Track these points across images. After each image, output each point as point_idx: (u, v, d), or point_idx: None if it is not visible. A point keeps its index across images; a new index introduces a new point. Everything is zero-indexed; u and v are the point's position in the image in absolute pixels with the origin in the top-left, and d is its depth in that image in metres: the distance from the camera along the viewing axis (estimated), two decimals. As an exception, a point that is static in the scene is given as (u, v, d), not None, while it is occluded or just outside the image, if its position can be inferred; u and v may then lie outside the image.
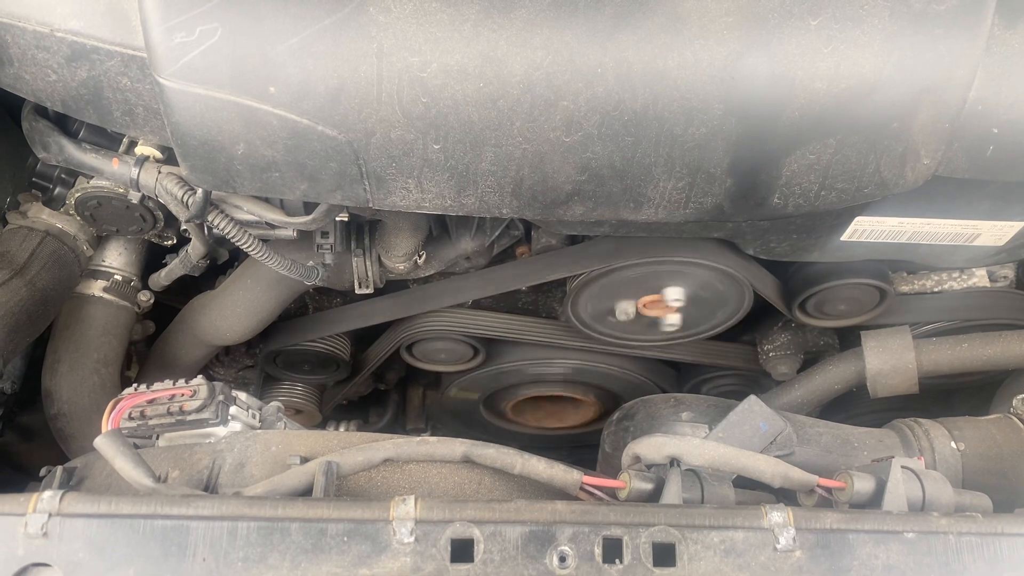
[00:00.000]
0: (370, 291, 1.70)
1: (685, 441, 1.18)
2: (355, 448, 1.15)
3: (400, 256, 1.61)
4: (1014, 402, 1.49)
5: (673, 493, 1.12)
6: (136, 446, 1.25)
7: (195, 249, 1.59)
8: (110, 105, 1.26)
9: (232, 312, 1.75)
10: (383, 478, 1.19)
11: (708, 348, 1.94)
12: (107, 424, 1.22)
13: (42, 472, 1.25)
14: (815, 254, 1.52)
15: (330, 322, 1.94)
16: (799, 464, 1.18)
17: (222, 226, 1.38)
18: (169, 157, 1.38)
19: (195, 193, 1.34)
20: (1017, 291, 1.73)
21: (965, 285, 1.71)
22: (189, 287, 1.87)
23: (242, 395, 1.30)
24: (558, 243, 1.66)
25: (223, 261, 1.77)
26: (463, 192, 1.21)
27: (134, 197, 1.47)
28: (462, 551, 0.98)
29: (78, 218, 1.60)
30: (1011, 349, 1.60)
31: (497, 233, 1.62)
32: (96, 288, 1.74)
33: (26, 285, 1.53)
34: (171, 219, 1.59)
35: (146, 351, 1.96)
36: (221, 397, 1.25)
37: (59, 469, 1.23)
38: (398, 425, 2.43)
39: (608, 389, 2.10)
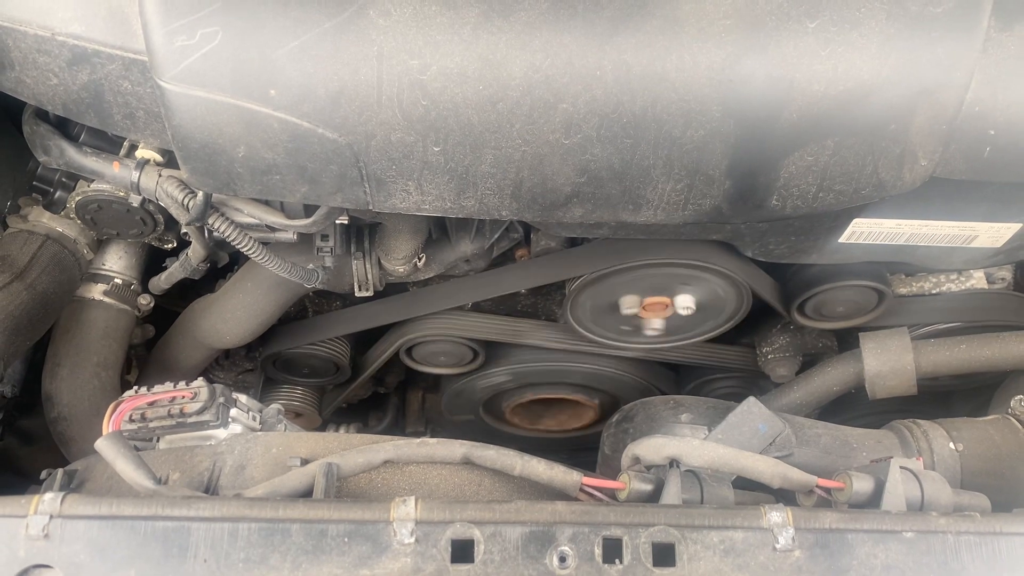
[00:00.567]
0: (370, 294, 1.71)
1: (684, 442, 1.18)
2: (355, 450, 1.16)
3: (400, 259, 1.61)
4: (1012, 403, 1.49)
5: (673, 494, 1.12)
6: (137, 448, 1.25)
7: (195, 252, 1.59)
8: (111, 108, 1.26)
9: (232, 315, 1.76)
10: (383, 479, 1.19)
11: (707, 350, 1.95)
12: (108, 426, 1.23)
13: (43, 475, 1.25)
14: (813, 256, 1.52)
15: (330, 325, 1.94)
16: (798, 465, 1.18)
17: (222, 229, 1.39)
18: (170, 160, 1.39)
19: (196, 196, 1.34)
20: (1015, 293, 1.74)
21: (963, 287, 1.71)
22: (189, 290, 1.88)
23: (242, 397, 1.30)
24: (557, 245, 1.67)
25: (223, 264, 1.77)
26: (463, 194, 1.21)
27: (135, 200, 1.47)
28: (462, 552, 0.98)
29: (78, 221, 1.61)
30: (1009, 350, 1.60)
31: (497, 236, 1.62)
32: (96, 292, 1.74)
33: (26, 289, 1.53)
34: (171, 222, 1.60)
35: (146, 355, 1.96)
36: (222, 399, 1.25)
37: (60, 472, 1.23)
38: (398, 428, 2.43)
39: (608, 391, 2.10)
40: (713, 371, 2.05)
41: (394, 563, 0.97)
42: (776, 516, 1.02)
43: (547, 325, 1.92)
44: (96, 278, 1.74)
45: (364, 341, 2.07)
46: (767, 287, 1.67)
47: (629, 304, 1.66)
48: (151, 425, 1.25)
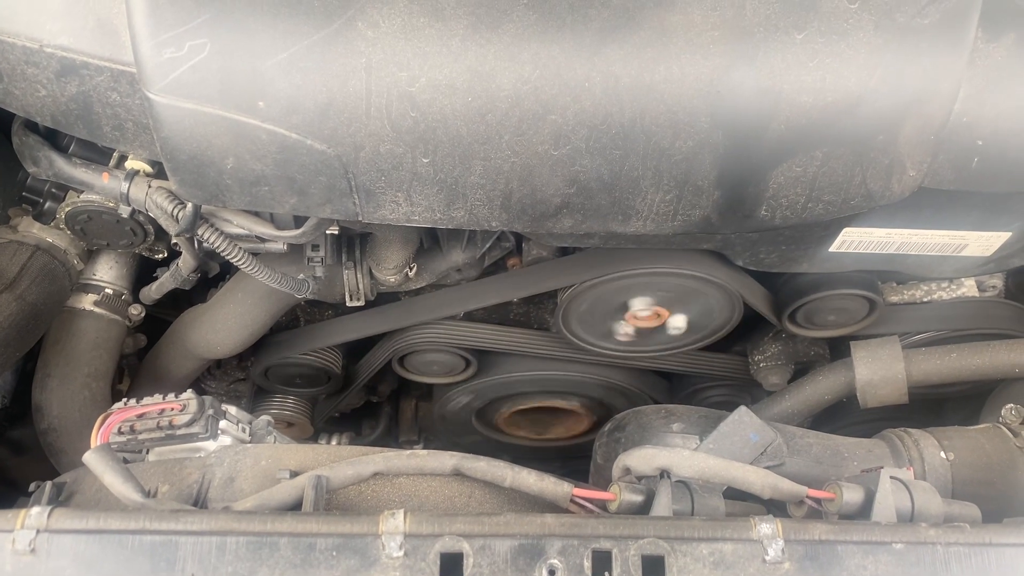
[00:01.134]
0: (361, 304, 1.71)
1: (675, 453, 1.18)
2: (345, 462, 1.15)
3: (391, 269, 1.61)
4: (1003, 412, 1.49)
5: (663, 505, 1.12)
6: (126, 461, 1.25)
7: (186, 263, 1.59)
8: (100, 120, 1.26)
9: (223, 325, 1.75)
10: (373, 492, 1.19)
11: (699, 359, 1.95)
12: (96, 439, 1.22)
13: (31, 487, 1.25)
14: (804, 265, 1.53)
15: (321, 335, 1.94)
16: (789, 475, 1.18)
17: (212, 240, 1.39)
18: (159, 171, 1.39)
19: (185, 207, 1.34)
20: (1006, 301, 1.74)
21: (954, 295, 1.71)
22: (180, 300, 1.87)
23: (232, 409, 1.30)
24: (549, 255, 1.67)
25: (214, 274, 1.77)
26: (452, 205, 1.21)
27: (124, 211, 1.47)
28: (451, 565, 0.98)
29: (68, 232, 1.60)
30: (1000, 358, 1.61)
31: (488, 245, 1.62)
32: (87, 302, 1.74)
33: (16, 299, 1.52)
34: (162, 233, 1.59)
35: (137, 364, 1.96)
36: (211, 411, 1.25)
37: (48, 484, 1.23)
38: (391, 437, 2.43)
39: (600, 400, 2.10)
40: (705, 379, 2.05)
41: (382, 577, 0.97)
42: (766, 528, 1.01)
43: (539, 334, 1.92)
44: (86, 288, 1.74)
45: (356, 350, 2.07)
46: (758, 296, 1.67)
47: (620, 312, 1.66)
48: (140, 437, 1.24)
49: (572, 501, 1.16)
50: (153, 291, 1.72)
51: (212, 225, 1.39)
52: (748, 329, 1.87)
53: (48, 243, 1.62)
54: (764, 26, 1.10)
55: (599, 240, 1.47)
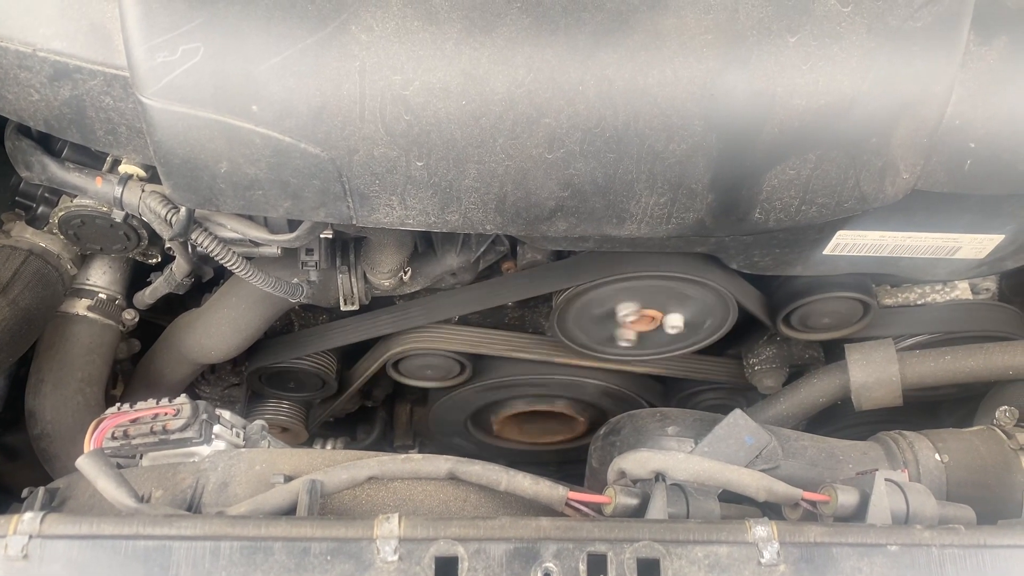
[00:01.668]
0: (356, 308, 1.70)
1: (670, 456, 1.18)
2: (339, 466, 1.15)
3: (385, 272, 1.61)
4: (997, 413, 1.50)
5: (658, 508, 1.12)
6: (119, 466, 1.25)
7: (179, 267, 1.59)
8: (93, 124, 1.26)
9: (217, 330, 1.75)
10: (368, 496, 1.19)
11: (694, 362, 1.95)
12: (89, 444, 1.22)
13: (24, 493, 1.24)
14: (798, 268, 1.53)
15: (316, 339, 1.93)
16: (784, 478, 1.18)
17: (206, 244, 1.38)
18: (153, 175, 1.38)
19: (178, 211, 1.33)
20: (999, 303, 1.75)
21: (948, 298, 1.72)
22: (174, 305, 1.87)
23: (226, 414, 1.29)
24: (544, 258, 1.67)
25: (208, 279, 1.76)
26: (447, 209, 1.21)
27: (118, 216, 1.46)
28: (446, 569, 0.98)
29: (62, 237, 1.60)
30: (993, 361, 1.61)
31: (483, 249, 1.62)
32: (80, 307, 1.73)
33: (9, 304, 1.52)
34: (155, 237, 1.59)
35: (131, 369, 1.95)
36: (204, 416, 1.24)
37: (41, 490, 1.22)
38: (386, 442, 2.42)
39: (595, 404, 2.10)
40: (700, 383, 2.05)
41: (377, 581, 0.96)
42: (761, 530, 1.02)
43: (534, 338, 1.92)
44: (80, 293, 1.73)
45: (351, 355, 2.07)
46: (753, 299, 1.68)
47: (615, 316, 1.66)
48: (134, 442, 1.24)
49: (567, 505, 1.16)
50: (147, 296, 1.71)
51: (206, 229, 1.39)
52: (743, 332, 1.87)
53: (41, 248, 1.61)
54: (757, 29, 1.11)
55: (593, 244, 1.48)
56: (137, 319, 1.80)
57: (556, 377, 2.00)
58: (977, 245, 1.45)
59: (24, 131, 1.43)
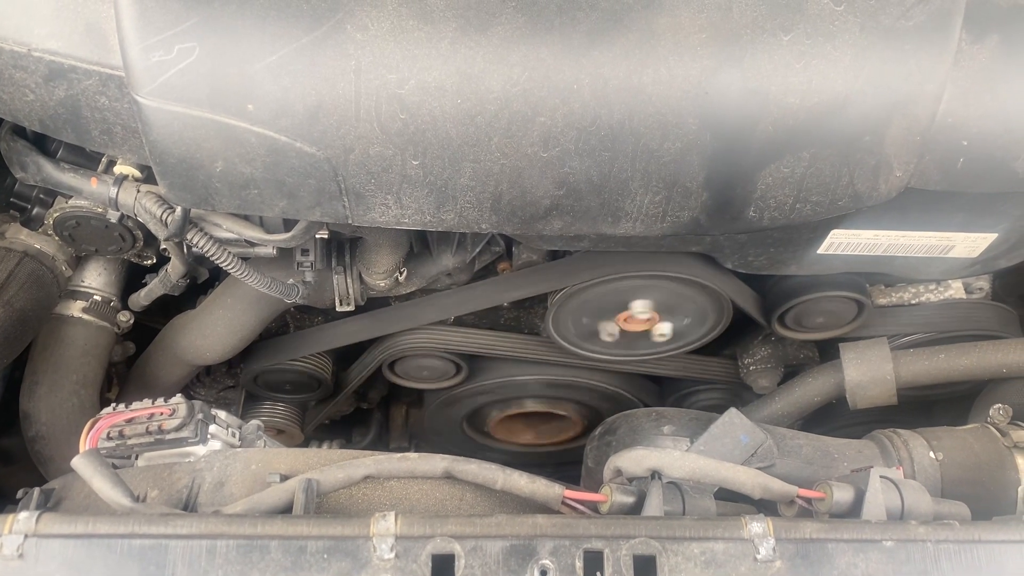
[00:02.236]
0: (351, 309, 1.70)
1: (665, 454, 1.18)
2: (335, 465, 1.15)
3: (381, 273, 1.61)
4: (991, 411, 1.50)
5: (654, 506, 1.12)
6: (115, 466, 1.24)
7: (175, 268, 1.58)
8: (88, 124, 1.26)
9: (212, 331, 1.74)
10: (364, 495, 1.18)
11: (689, 362, 1.95)
12: (85, 444, 1.21)
13: (19, 494, 1.24)
14: (793, 267, 1.53)
15: (311, 341, 1.93)
16: (780, 476, 1.18)
17: (201, 244, 1.38)
18: (148, 176, 1.38)
19: (174, 211, 1.34)
20: (993, 303, 1.75)
21: (942, 297, 1.72)
22: (170, 307, 1.86)
23: (222, 414, 1.29)
24: (539, 259, 1.67)
25: (203, 280, 1.76)
26: (442, 208, 1.21)
27: (113, 216, 1.46)
28: (443, 566, 0.98)
29: (56, 238, 1.60)
30: (987, 359, 1.62)
31: (478, 249, 1.62)
32: (75, 309, 1.73)
33: (3, 306, 1.51)
34: (151, 238, 1.59)
35: (126, 372, 1.95)
36: (200, 416, 1.24)
37: (36, 491, 1.22)
38: (381, 444, 2.42)
39: (591, 404, 2.10)
40: (696, 383, 2.06)
41: (374, 579, 0.96)
42: (757, 527, 1.02)
43: (530, 338, 1.92)
44: (75, 295, 1.73)
45: (346, 356, 2.06)
46: (748, 298, 1.68)
47: (610, 317, 1.66)
48: (129, 442, 1.23)
49: (564, 503, 1.16)
50: (142, 297, 1.71)
51: (201, 229, 1.39)
52: (738, 332, 1.88)
53: (36, 249, 1.61)
54: (751, 28, 1.11)
55: (589, 243, 1.48)
56: (132, 321, 1.80)
57: (551, 378, 2.00)
58: (970, 244, 1.46)
59: (19, 132, 1.43)
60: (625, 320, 1.67)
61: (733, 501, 1.22)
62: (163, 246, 1.56)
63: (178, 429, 1.22)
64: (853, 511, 1.14)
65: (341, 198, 1.19)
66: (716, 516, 1.11)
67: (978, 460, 1.41)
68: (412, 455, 1.19)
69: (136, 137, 1.24)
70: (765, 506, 1.20)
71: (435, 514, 1.16)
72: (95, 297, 1.74)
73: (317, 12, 1.09)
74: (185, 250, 1.53)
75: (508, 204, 1.21)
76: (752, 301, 1.69)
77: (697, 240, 1.46)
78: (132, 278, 1.79)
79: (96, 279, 1.75)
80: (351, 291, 1.66)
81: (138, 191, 1.37)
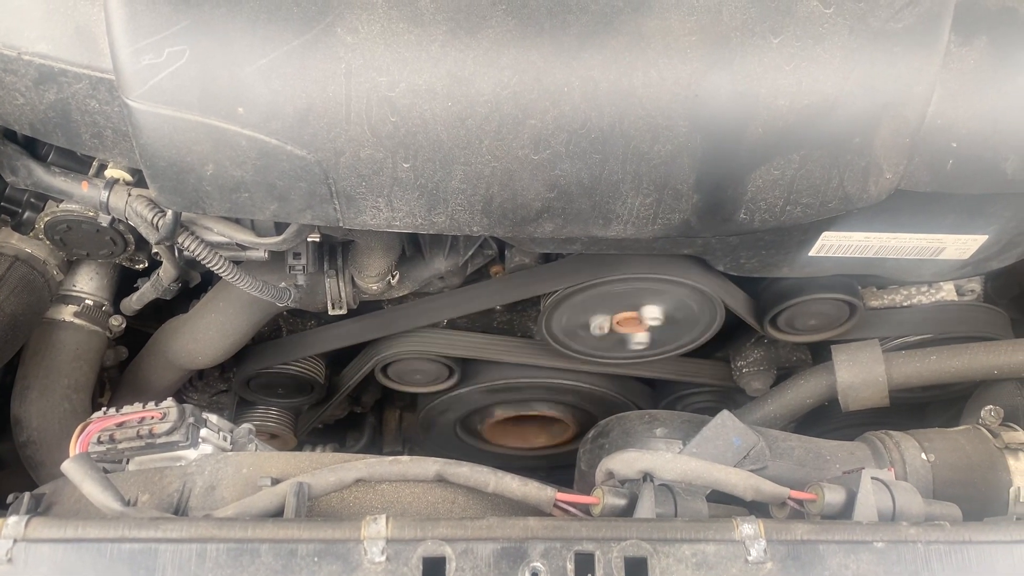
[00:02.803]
0: (344, 312, 1.70)
1: (657, 456, 1.18)
2: (327, 468, 1.15)
3: (373, 276, 1.61)
4: (982, 413, 1.51)
5: (646, 508, 1.12)
6: (106, 470, 1.24)
7: (166, 272, 1.58)
8: (79, 128, 1.25)
9: (205, 335, 1.74)
10: (355, 499, 1.18)
11: (682, 365, 1.95)
12: (75, 448, 1.21)
13: (9, 499, 1.23)
14: (784, 269, 1.53)
15: (304, 344, 1.93)
16: (772, 478, 1.18)
17: (193, 248, 1.38)
18: (139, 180, 1.38)
19: (165, 215, 1.33)
20: (984, 304, 1.76)
21: (933, 299, 1.73)
22: (162, 311, 1.86)
23: (213, 417, 1.29)
24: (532, 262, 1.67)
25: (195, 284, 1.76)
26: (433, 210, 1.21)
27: (104, 220, 1.46)
28: (434, 569, 0.98)
29: (48, 242, 1.59)
30: (979, 361, 1.62)
31: (471, 252, 1.62)
32: (67, 313, 1.72)
33: (-6, 310, 1.51)
34: (142, 242, 1.59)
35: (119, 376, 1.94)
36: (191, 419, 1.24)
37: (26, 495, 1.21)
38: (375, 448, 2.41)
39: (584, 407, 2.10)
40: (688, 386, 2.06)
41: (365, 582, 0.96)
42: (748, 528, 1.02)
43: (522, 341, 1.92)
44: (66, 299, 1.73)
45: (339, 360, 2.06)
46: (740, 301, 1.68)
47: (602, 320, 1.66)
48: (120, 446, 1.23)
49: (555, 506, 1.16)
50: (134, 302, 1.71)
51: (192, 233, 1.38)
52: (730, 335, 1.88)
53: (27, 253, 1.61)
54: (741, 31, 1.12)
55: (581, 246, 1.48)
56: (124, 325, 1.80)
57: (545, 381, 2.00)
58: (961, 246, 1.46)
59: (9, 135, 1.42)
60: (618, 322, 1.67)
61: (725, 503, 1.22)
62: (155, 250, 1.55)
63: (169, 433, 1.22)
64: (845, 512, 1.14)
65: (332, 201, 1.19)
66: (707, 518, 1.11)
67: (970, 461, 1.41)
68: (404, 458, 1.19)
69: (127, 141, 1.23)
70: (757, 508, 1.20)
71: (427, 517, 1.16)
72: (87, 301, 1.74)
73: (307, 15, 1.09)
74: (177, 254, 1.53)
75: (499, 207, 1.21)
76: (744, 303, 1.70)
77: (688, 242, 1.46)
78: (124, 282, 1.79)
79: (88, 283, 1.75)
80: (343, 295, 1.65)
81: (129, 195, 1.37)
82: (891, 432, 1.49)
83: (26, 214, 1.59)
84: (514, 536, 1.00)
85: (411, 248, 1.64)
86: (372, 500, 1.19)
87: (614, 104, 1.12)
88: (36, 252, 1.62)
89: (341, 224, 1.23)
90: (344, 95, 1.11)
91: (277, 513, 1.08)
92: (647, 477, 1.16)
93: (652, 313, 1.62)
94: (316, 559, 0.97)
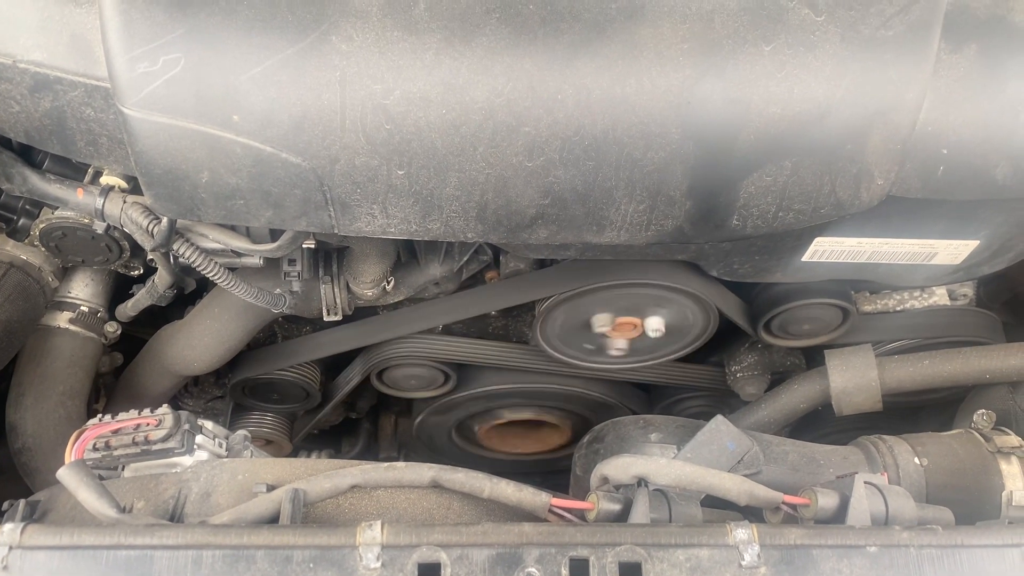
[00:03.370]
0: (339, 318, 1.70)
1: (652, 461, 1.18)
2: (322, 475, 1.15)
3: (368, 282, 1.61)
4: (975, 417, 1.51)
5: (641, 513, 1.13)
6: (101, 477, 1.24)
7: (162, 279, 1.58)
8: (74, 135, 1.26)
9: (200, 342, 1.74)
10: (351, 505, 1.18)
11: (677, 370, 1.96)
12: (70, 455, 1.21)
13: (3, 506, 1.23)
14: (777, 275, 1.54)
15: (299, 350, 1.93)
16: (766, 482, 1.19)
17: (188, 255, 1.38)
18: (134, 187, 1.38)
19: (160, 222, 1.34)
20: (977, 309, 1.77)
21: (926, 304, 1.74)
22: (157, 317, 1.86)
23: (208, 424, 1.29)
24: (526, 267, 1.67)
25: (191, 291, 1.76)
26: (428, 217, 1.22)
27: (99, 227, 1.46)
28: (429, 575, 0.98)
29: (43, 249, 1.59)
30: (971, 365, 1.63)
31: (466, 258, 1.63)
32: (62, 320, 1.72)
33: (-11, 317, 1.51)
34: (137, 249, 1.59)
35: (114, 383, 1.94)
36: (187, 426, 1.24)
37: (21, 502, 1.22)
38: (370, 454, 2.42)
39: (579, 413, 2.11)
40: (683, 390, 2.07)
41: (360, 588, 0.96)
42: (742, 533, 1.02)
43: (518, 347, 1.92)
44: (62, 306, 1.73)
45: (334, 366, 2.06)
46: (733, 306, 1.69)
47: (598, 324, 1.67)
48: (115, 453, 1.23)
49: (550, 511, 1.16)
50: (129, 308, 1.71)
51: (187, 240, 1.39)
52: (724, 340, 1.88)
53: (22, 260, 1.61)
54: (733, 38, 1.12)
55: (575, 252, 1.49)
56: (119, 332, 1.80)
57: (540, 386, 2.00)
58: (953, 251, 1.47)
59: (4, 143, 1.42)
60: (612, 328, 1.68)
61: (720, 508, 1.23)
62: (150, 257, 1.56)
63: (164, 440, 1.22)
64: (838, 517, 1.14)
65: (327, 208, 1.20)
66: (702, 523, 1.12)
67: (962, 465, 1.42)
68: (399, 464, 1.19)
69: (122, 148, 1.24)
70: (751, 513, 1.20)
71: (422, 523, 1.16)
72: (82, 308, 1.74)
73: (302, 23, 1.10)
74: (172, 260, 1.53)
75: (494, 213, 1.21)
76: (738, 309, 1.70)
77: (682, 248, 1.47)
78: (119, 289, 1.79)
79: (83, 290, 1.75)
80: (338, 301, 1.66)
81: (124, 202, 1.37)
82: (884, 436, 1.50)
83: (21, 221, 1.59)
84: (509, 542, 1.00)
85: (406, 254, 1.65)
86: (367, 506, 1.19)
87: (607, 111, 1.13)
88: (31, 259, 1.62)
89: (336, 231, 1.23)
90: (339, 103, 1.11)
91: (273, 519, 1.09)
92: (642, 482, 1.17)
93: (654, 325, 1.63)
94: (312, 565, 0.97)
